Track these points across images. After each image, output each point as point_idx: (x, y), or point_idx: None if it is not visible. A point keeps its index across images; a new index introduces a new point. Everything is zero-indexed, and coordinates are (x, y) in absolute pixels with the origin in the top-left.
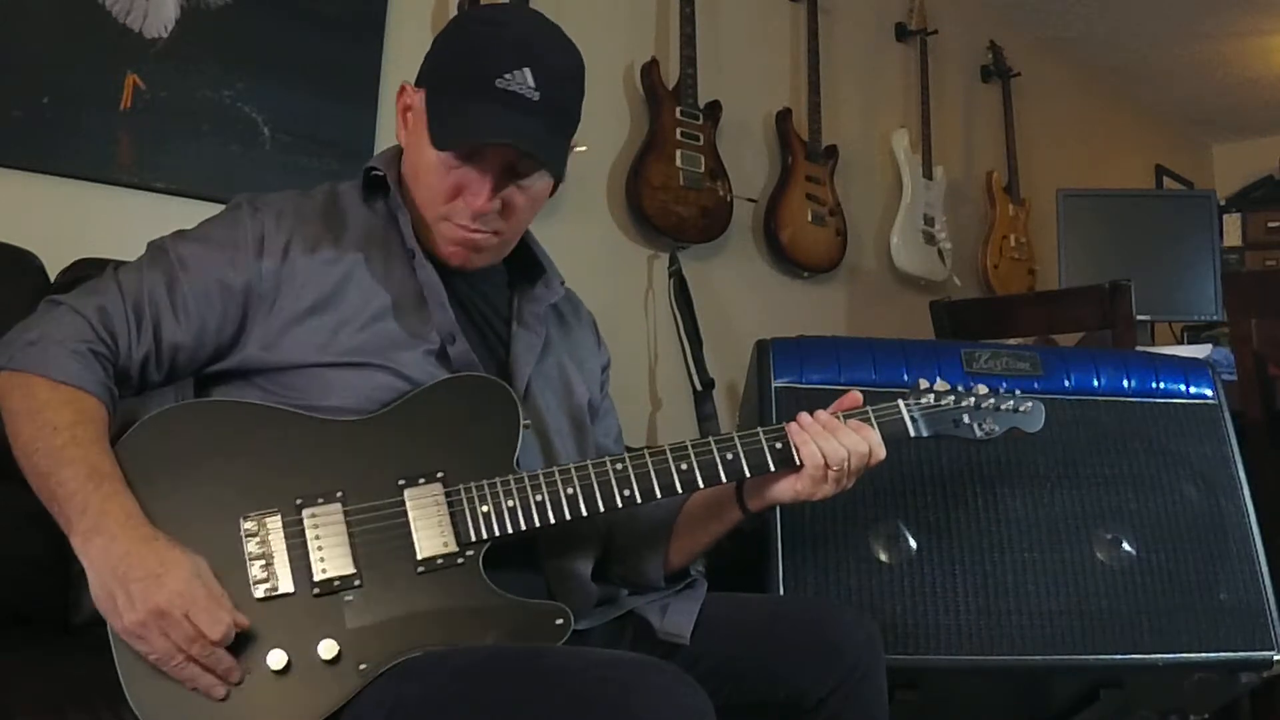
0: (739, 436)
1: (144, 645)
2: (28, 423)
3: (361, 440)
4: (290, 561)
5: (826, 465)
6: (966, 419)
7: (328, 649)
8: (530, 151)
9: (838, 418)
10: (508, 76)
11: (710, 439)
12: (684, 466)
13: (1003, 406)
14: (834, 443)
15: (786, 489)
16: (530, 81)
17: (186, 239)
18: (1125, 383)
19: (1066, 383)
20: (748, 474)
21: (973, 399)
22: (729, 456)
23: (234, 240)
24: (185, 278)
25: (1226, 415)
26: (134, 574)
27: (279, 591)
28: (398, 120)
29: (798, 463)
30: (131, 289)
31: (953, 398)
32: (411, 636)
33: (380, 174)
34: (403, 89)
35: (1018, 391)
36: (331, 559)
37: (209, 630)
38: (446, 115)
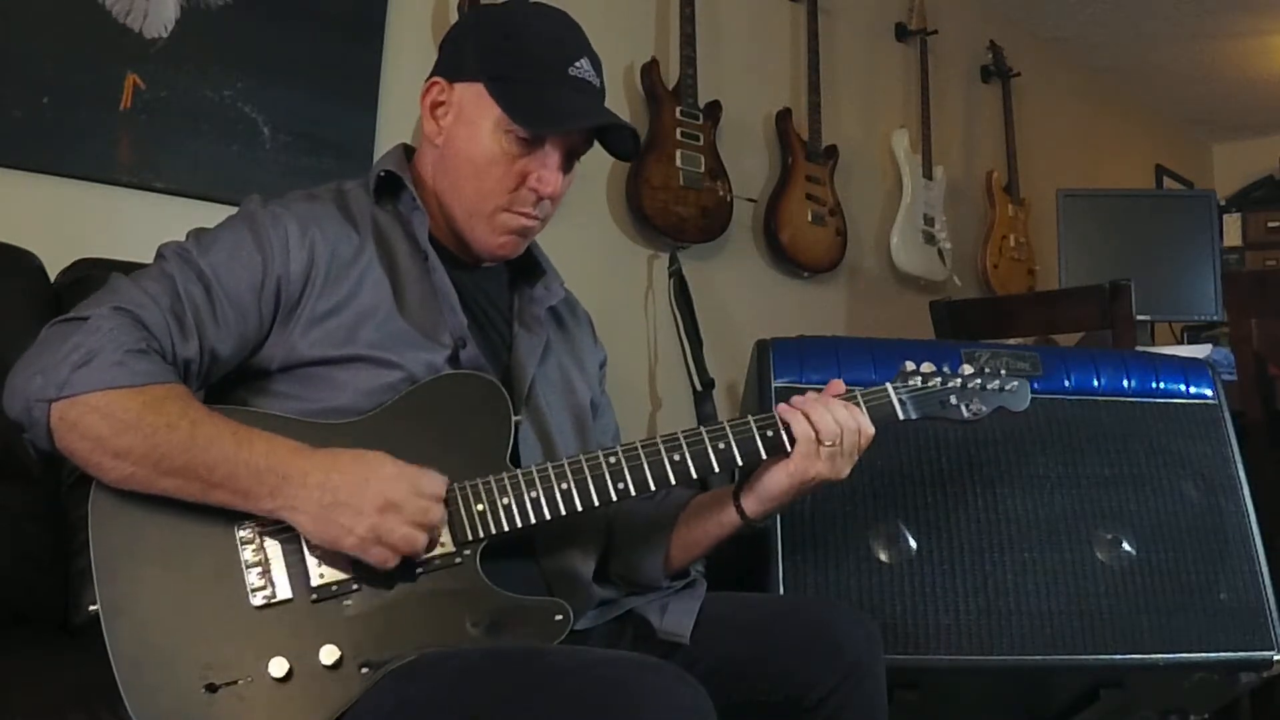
0: (730, 425)
1: (378, 550)
2: (133, 436)
3: (354, 444)
4: (287, 568)
5: (818, 439)
6: (954, 400)
7: (329, 654)
8: (636, 131)
9: None
10: (577, 65)
11: (702, 429)
12: (676, 457)
13: (989, 386)
14: (827, 415)
15: (780, 474)
16: (591, 69)
17: (212, 249)
18: (1125, 383)
19: (1066, 383)
20: (739, 461)
21: (959, 379)
22: (721, 445)
23: (261, 248)
24: (222, 289)
25: (1226, 415)
26: (345, 491)
27: (277, 598)
28: (425, 117)
29: (787, 446)
30: (166, 295)
31: (939, 379)
32: (412, 638)
33: (395, 175)
34: (432, 85)
35: (1002, 371)
36: (329, 564)
37: (436, 489)
38: (531, 103)
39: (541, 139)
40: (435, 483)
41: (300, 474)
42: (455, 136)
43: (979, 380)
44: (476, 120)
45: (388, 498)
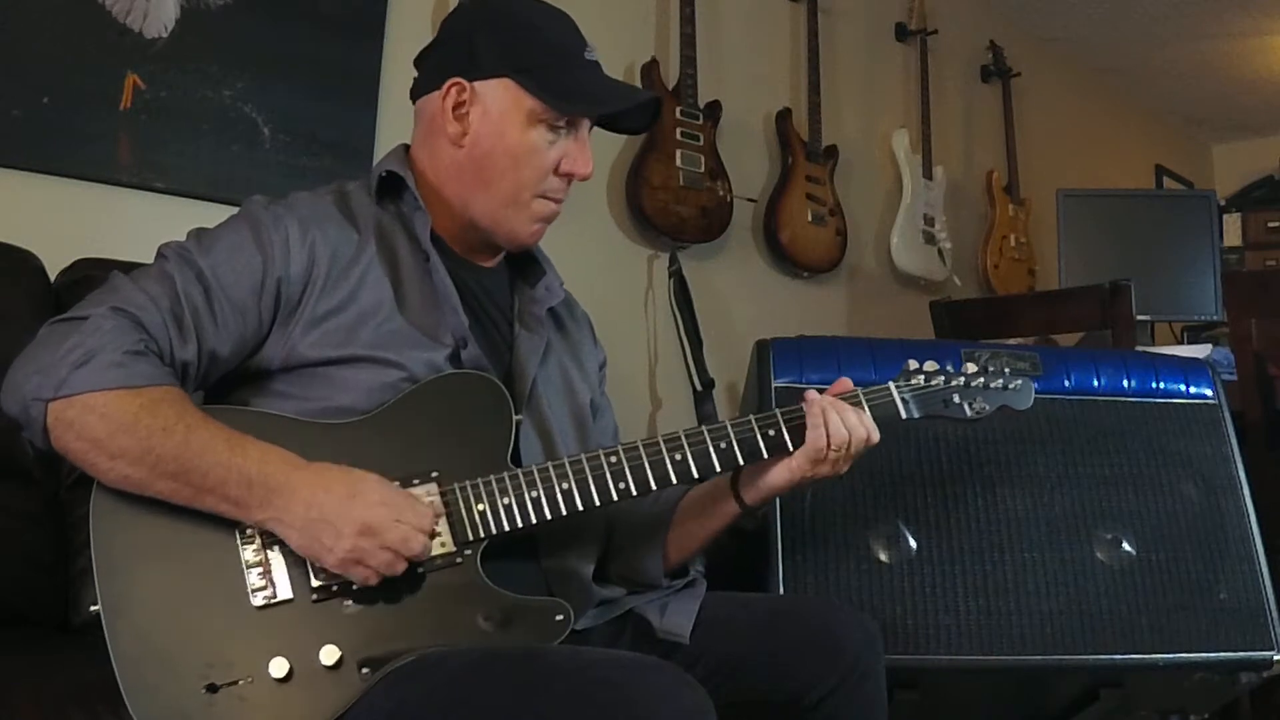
0: (731, 424)
1: (361, 570)
2: (129, 438)
3: (355, 443)
4: (288, 568)
5: (828, 444)
6: (957, 399)
7: (329, 654)
8: (660, 102)
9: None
10: (589, 49)
11: (703, 428)
12: (678, 457)
13: (992, 385)
14: (840, 424)
15: (782, 472)
16: (596, 53)
17: (213, 249)
18: (1125, 383)
19: (1066, 383)
20: (741, 461)
21: (962, 378)
22: (723, 445)
23: (262, 249)
24: (222, 291)
25: (1227, 415)
26: (329, 509)
27: (278, 599)
28: (446, 119)
29: (789, 445)
30: (165, 297)
31: (942, 378)
32: (412, 638)
33: (397, 175)
34: (451, 86)
35: (1006, 370)
36: None
37: (420, 521)
38: (568, 90)
39: (573, 124)
40: (420, 514)
41: (289, 488)
42: (484, 134)
43: (982, 379)
44: (508, 114)
45: (367, 521)
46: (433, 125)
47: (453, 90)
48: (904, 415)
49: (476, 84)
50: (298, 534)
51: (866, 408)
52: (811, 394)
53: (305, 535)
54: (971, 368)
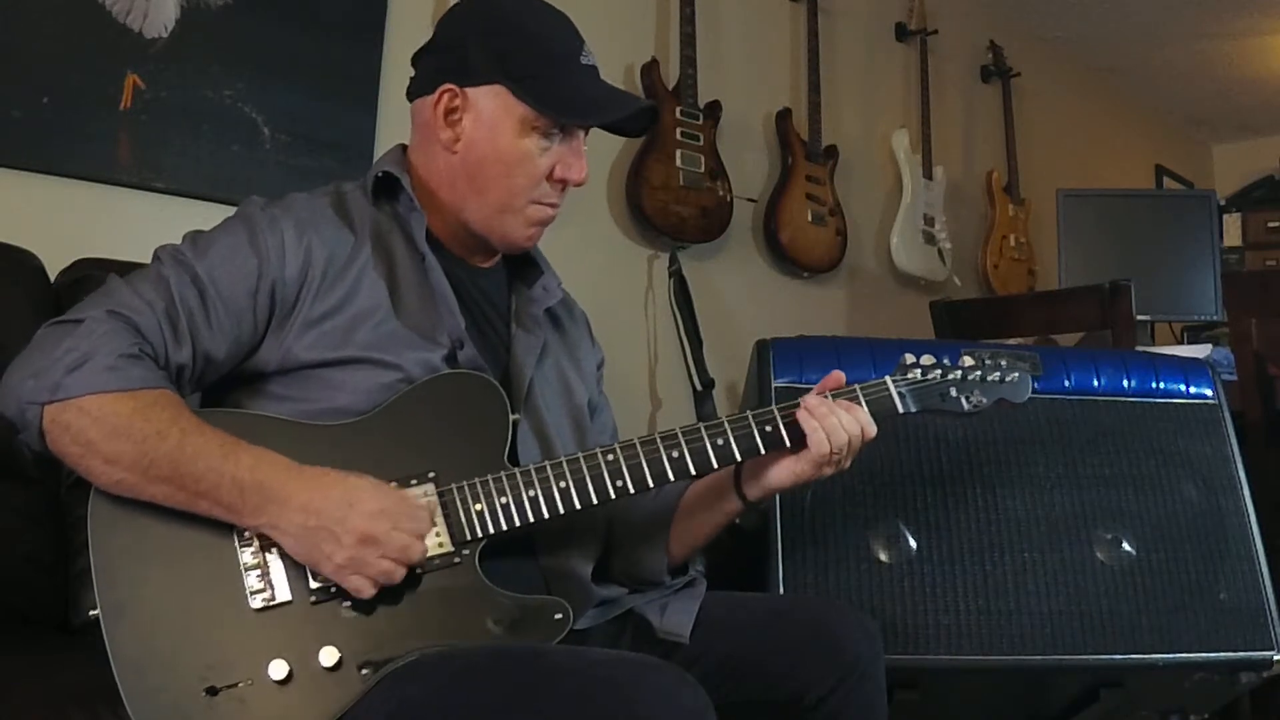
0: (728, 421)
1: (357, 579)
2: (123, 441)
3: (352, 444)
4: (286, 570)
5: (831, 449)
6: (954, 392)
7: (329, 656)
8: (658, 113)
9: (826, 398)
10: (585, 53)
11: (700, 425)
12: (675, 454)
13: (989, 378)
14: (839, 428)
15: (785, 472)
16: (592, 54)
17: (209, 252)
18: (1125, 383)
19: (1066, 383)
20: (738, 457)
21: (959, 371)
22: (719, 442)
23: (257, 252)
24: (217, 293)
25: (1227, 415)
26: (326, 517)
27: (276, 601)
28: (438, 126)
29: (786, 441)
30: (160, 300)
31: (939, 371)
32: (412, 638)
33: (393, 176)
34: (444, 92)
35: (1003, 362)
36: None
37: (418, 526)
38: (562, 98)
39: (567, 130)
40: (418, 518)
41: (284, 495)
42: (476, 140)
43: (979, 372)
44: (500, 121)
45: (367, 531)
46: (427, 129)
47: (445, 96)
48: (901, 409)
49: (469, 90)
50: (294, 541)
51: (864, 403)
52: (808, 400)
53: (303, 543)
54: (968, 361)
